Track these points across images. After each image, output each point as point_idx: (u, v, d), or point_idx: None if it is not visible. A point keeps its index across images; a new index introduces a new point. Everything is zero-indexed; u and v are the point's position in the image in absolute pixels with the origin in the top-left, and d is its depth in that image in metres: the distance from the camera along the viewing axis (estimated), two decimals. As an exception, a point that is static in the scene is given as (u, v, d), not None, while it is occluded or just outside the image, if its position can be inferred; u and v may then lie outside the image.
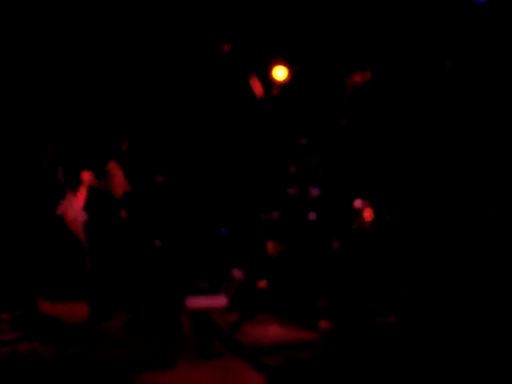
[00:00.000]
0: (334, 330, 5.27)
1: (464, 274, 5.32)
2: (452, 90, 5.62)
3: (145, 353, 4.81)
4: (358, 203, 5.86)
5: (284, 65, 5.83)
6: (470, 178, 5.65)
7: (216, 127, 6.12)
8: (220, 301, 5.65)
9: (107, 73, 5.93)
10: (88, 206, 5.48)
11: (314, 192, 6.11)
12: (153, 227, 5.71)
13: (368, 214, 5.85)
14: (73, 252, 5.48)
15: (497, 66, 5.58)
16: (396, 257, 5.61)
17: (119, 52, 5.91)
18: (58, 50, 5.75)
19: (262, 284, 5.82)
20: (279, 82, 5.90)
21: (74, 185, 5.53)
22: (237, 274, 5.80)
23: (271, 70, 5.90)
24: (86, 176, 5.61)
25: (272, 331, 5.27)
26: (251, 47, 5.90)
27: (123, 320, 5.32)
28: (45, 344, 4.80)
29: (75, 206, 5.54)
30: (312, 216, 6.00)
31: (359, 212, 5.86)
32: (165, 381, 4.39)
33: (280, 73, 5.81)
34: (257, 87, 5.92)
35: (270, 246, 5.99)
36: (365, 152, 5.89)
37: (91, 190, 5.54)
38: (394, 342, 4.66)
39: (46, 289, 5.43)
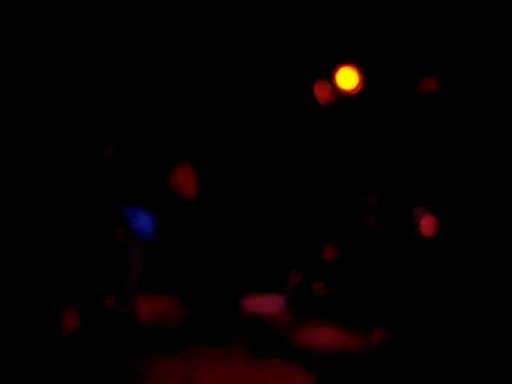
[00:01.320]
0: (389, 340, 5.25)
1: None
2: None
3: (197, 350, 4.88)
4: (417, 211, 5.82)
5: (354, 72, 5.78)
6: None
7: (286, 130, 6.13)
8: (276, 302, 5.70)
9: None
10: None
11: (373, 199, 6.09)
12: (215, 225, 5.76)
13: (428, 224, 5.79)
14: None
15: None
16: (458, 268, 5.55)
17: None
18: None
19: (320, 288, 5.82)
20: (348, 90, 5.86)
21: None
22: (294, 276, 5.82)
23: (338, 77, 5.85)
24: None
25: (326, 336, 5.28)
26: (319, 51, 5.87)
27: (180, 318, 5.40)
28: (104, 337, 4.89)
29: None
30: (372, 222, 5.98)
31: (418, 220, 5.81)
32: (217, 376, 4.46)
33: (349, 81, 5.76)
34: (323, 94, 5.88)
35: (330, 251, 5.99)
36: (429, 158, 5.83)
37: None
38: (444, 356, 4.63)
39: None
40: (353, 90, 5.83)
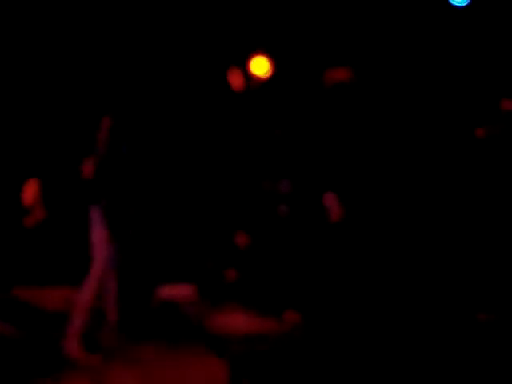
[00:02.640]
0: (300, 323, 5.36)
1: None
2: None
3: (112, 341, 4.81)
4: (327, 198, 5.93)
5: (266, 58, 5.83)
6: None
7: (193, 120, 6.11)
8: (189, 290, 5.70)
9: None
10: None
11: (285, 186, 6.16)
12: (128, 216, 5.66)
13: (335, 210, 5.93)
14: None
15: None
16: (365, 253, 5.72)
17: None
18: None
19: (231, 274, 5.87)
20: (260, 77, 5.91)
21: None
22: (206, 263, 5.84)
23: (251, 64, 5.89)
24: None
25: (238, 321, 5.33)
26: (231, 39, 5.89)
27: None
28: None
29: None
30: (283, 208, 6.06)
31: (328, 207, 5.93)
32: (132, 370, 4.42)
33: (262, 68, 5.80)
34: (236, 81, 5.91)
35: (241, 237, 6.03)
36: (338, 147, 5.96)
37: None
38: (360, 337, 4.76)
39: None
40: (265, 76, 5.90)
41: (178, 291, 5.68)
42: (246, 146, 6.24)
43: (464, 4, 5.43)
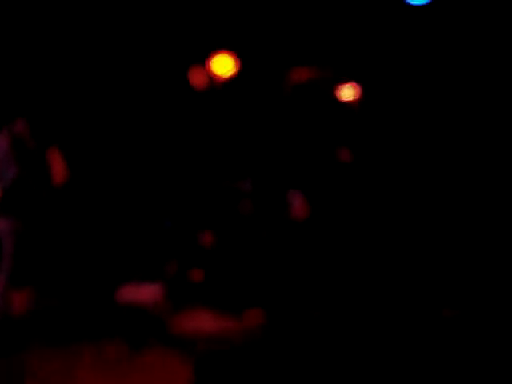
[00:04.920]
0: (265, 321, 5.37)
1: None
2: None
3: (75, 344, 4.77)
4: (290, 195, 5.95)
5: (228, 57, 5.81)
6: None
7: (154, 119, 6.07)
8: (153, 290, 5.66)
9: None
10: None
11: (246, 185, 6.18)
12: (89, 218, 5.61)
13: (299, 207, 5.95)
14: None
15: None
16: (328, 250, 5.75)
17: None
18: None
19: (196, 274, 5.85)
20: (223, 76, 5.88)
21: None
22: (171, 264, 5.81)
23: (213, 63, 5.87)
24: None
25: (203, 321, 5.31)
26: (193, 38, 5.86)
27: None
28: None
29: None
30: (246, 207, 6.07)
31: (291, 204, 5.95)
32: (93, 371, 4.39)
33: (224, 66, 5.78)
34: (198, 80, 5.88)
35: (205, 237, 6.02)
36: (301, 144, 5.99)
37: None
38: (321, 335, 4.78)
39: None
40: (227, 75, 5.88)
41: (142, 291, 5.64)
42: (208, 145, 6.23)
43: (422, 3, 5.48)
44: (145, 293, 5.62)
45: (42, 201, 4.83)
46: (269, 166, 6.09)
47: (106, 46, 5.78)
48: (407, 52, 5.76)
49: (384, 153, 5.93)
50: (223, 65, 5.90)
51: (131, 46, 5.85)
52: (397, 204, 5.83)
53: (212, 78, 5.91)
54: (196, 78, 5.92)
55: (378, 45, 5.76)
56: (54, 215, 5.03)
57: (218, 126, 6.20)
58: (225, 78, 5.94)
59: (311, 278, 5.57)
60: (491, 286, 5.26)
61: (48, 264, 5.22)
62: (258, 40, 5.89)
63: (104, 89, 5.86)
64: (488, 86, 5.72)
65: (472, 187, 5.74)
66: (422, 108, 5.86)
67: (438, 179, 5.83)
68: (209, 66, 5.89)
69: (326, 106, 5.81)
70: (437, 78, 5.79)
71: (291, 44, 5.85)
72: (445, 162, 5.86)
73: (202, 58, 5.90)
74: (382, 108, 5.88)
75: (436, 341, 4.54)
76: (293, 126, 5.99)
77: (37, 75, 5.61)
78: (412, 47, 5.72)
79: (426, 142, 5.88)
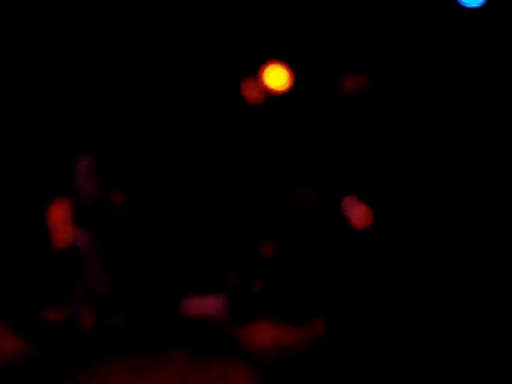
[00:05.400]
0: (328, 331, 5.34)
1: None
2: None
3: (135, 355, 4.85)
4: (346, 202, 5.90)
5: (283, 70, 5.80)
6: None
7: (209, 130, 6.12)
8: (216, 303, 5.71)
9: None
10: None
11: (306, 193, 6.16)
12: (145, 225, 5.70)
13: (360, 215, 5.89)
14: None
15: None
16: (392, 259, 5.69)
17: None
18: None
19: (258, 285, 5.87)
20: (277, 89, 5.88)
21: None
22: (233, 275, 5.85)
23: (267, 75, 5.87)
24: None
25: (267, 333, 5.33)
26: (247, 50, 5.87)
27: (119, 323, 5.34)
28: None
29: None
30: (306, 216, 6.05)
31: (348, 211, 5.90)
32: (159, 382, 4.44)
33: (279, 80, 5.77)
34: (252, 93, 5.89)
35: (265, 248, 6.03)
36: (358, 152, 5.95)
37: None
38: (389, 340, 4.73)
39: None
40: (282, 88, 5.87)
41: (206, 303, 5.70)
42: (266, 155, 6.25)
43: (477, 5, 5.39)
44: (208, 305, 5.68)
45: (117, 218, 4.99)
46: (329, 173, 6.07)
47: (156, 58, 5.86)
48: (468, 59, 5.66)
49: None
50: (278, 77, 5.88)
51: (184, 58, 5.90)
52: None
53: (267, 91, 5.91)
54: (250, 92, 5.94)
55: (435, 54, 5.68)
56: (122, 231, 5.16)
57: (275, 137, 6.21)
58: (280, 91, 5.93)
59: (371, 287, 5.53)
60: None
61: (116, 278, 5.35)
62: (311, 49, 5.88)
63: (158, 100, 5.94)
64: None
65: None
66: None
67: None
68: (263, 79, 5.89)
69: (378, 114, 5.76)
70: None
71: (344, 52, 5.82)
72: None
73: (256, 70, 5.92)
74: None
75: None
76: (349, 133, 5.96)
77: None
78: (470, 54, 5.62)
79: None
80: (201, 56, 5.93)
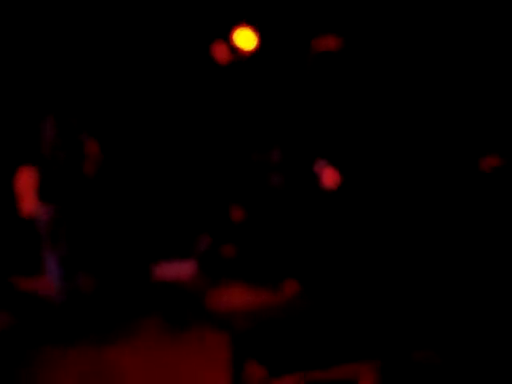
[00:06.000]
0: (300, 293, 5.37)
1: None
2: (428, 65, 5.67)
3: (108, 322, 4.83)
4: (318, 164, 5.89)
5: (251, 30, 5.74)
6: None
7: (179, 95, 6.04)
8: (187, 267, 5.69)
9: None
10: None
11: (274, 157, 6.13)
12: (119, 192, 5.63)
13: (329, 176, 5.89)
14: None
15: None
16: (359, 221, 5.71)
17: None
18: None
19: (228, 249, 5.86)
20: (246, 50, 5.82)
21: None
22: (203, 240, 5.83)
23: (235, 36, 5.81)
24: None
25: (239, 296, 5.33)
26: (213, 11, 5.79)
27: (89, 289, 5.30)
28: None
29: None
30: (275, 179, 6.03)
31: (320, 173, 5.90)
32: (133, 349, 4.44)
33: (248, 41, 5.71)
34: (221, 54, 5.82)
35: (235, 212, 6.02)
36: (328, 115, 5.92)
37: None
38: (359, 303, 4.77)
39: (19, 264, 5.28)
40: (250, 49, 5.82)
41: (177, 268, 5.68)
42: (234, 119, 6.20)
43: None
44: (179, 270, 5.66)
45: (80, 187, 4.90)
46: (296, 136, 6.04)
47: (126, 22, 5.74)
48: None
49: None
50: (246, 38, 5.83)
51: (152, 23, 5.80)
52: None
53: (235, 52, 5.85)
54: (219, 53, 5.88)
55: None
56: (89, 200, 5.08)
57: (244, 99, 6.16)
58: (248, 51, 5.88)
59: (342, 247, 5.55)
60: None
61: (83, 246, 5.28)
62: (280, 11, 5.80)
63: (126, 64, 5.83)
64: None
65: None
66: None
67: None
68: (231, 40, 5.83)
69: (350, 74, 5.72)
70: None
71: (314, 13, 5.75)
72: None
73: (225, 33, 5.84)
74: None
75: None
76: (318, 95, 5.93)
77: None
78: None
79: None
80: (171, 20, 5.84)
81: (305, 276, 5.47)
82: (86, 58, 5.67)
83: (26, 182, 4.80)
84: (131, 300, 5.22)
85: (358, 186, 5.80)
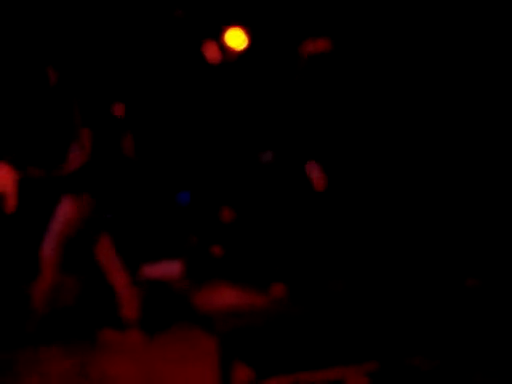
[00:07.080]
0: (288, 296, 5.37)
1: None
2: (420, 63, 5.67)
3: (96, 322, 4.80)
4: (308, 167, 5.90)
5: (241, 30, 5.75)
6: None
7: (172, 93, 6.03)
8: (176, 267, 5.68)
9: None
10: None
11: (266, 156, 6.13)
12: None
13: (318, 179, 5.90)
14: None
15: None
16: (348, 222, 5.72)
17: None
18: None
19: (216, 250, 5.85)
20: (236, 49, 5.82)
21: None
22: (191, 239, 5.82)
23: (226, 36, 5.81)
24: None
25: (227, 297, 5.33)
26: (205, 11, 5.79)
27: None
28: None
29: None
30: (265, 180, 6.03)
31: (311, 176, 5.91)
32: (118, 350, 4.41)
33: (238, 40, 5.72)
34: (212, 54, 5.82)
35: (224, 212, 6.01)
36: (319, 117, 5.93)
37: None
38: (348, 308, 4.76)
39: None
40: (240, 48, 5.82)
41: (164, 268, 5.67)
42: (225, 118, 6.19)
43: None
44: (166, 270, 5.64)
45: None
46: (287, 137, 6.04)
47: (119, 17, 5.72)
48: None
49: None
50: (237, 38, 5.84)
51: (143, 22, 5.79)
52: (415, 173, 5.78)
53: (226, 52, 5.86)
54: (210, 52, 5.88)
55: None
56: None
57: (235, 99, 6.15)
58: (238, 51, 5.88)
59: (332, 249, 5.56)
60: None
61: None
62: (271, 12, 5.81)
63: (117, 65, 5.80)
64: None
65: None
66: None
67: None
68: (222, 40, 5.84)
69: (341, 77, 5.73)
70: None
71: (305, 15, 5.76)
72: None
73: (215, 32, 5.84)
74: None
75: (459, 310, 4.51)
76: (310, 96, 5.93)
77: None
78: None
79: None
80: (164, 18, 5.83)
81: (293, 277, 5.47)
82: (79, 58, 5.64)
83: (4, 177, 4.73)
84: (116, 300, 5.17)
85: (348, 187, 5.81)
